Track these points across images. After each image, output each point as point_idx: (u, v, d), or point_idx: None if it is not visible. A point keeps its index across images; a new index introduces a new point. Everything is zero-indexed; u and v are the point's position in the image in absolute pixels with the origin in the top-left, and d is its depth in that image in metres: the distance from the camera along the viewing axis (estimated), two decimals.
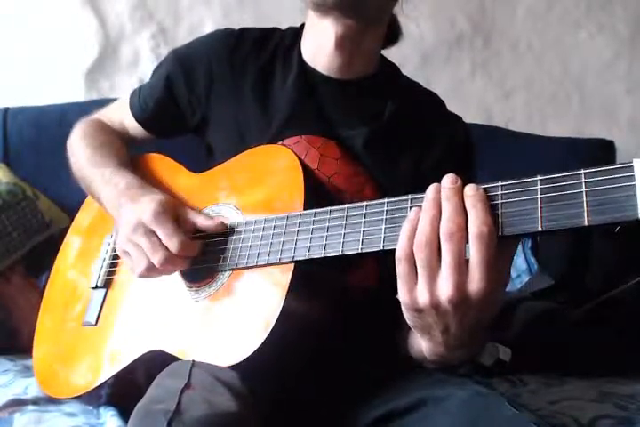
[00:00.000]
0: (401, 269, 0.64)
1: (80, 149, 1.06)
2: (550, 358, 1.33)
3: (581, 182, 0.57)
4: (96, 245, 1.05)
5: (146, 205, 0.86)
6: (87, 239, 1.09)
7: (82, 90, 1.95)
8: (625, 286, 1.37)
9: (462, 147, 1.02)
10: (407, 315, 0.67)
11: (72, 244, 1.12)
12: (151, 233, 0.84)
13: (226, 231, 0.86)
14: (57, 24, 1.92)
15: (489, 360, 0.77)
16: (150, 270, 0.85)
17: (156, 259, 0.83)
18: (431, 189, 0.65)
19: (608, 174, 0.55)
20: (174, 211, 0.87)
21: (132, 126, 1.11)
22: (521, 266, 1.80)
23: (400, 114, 0.97)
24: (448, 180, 0.64)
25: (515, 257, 1.80)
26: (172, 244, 0.82)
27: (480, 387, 0.80)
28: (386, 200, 0.70)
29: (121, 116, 1.12)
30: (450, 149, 0.99)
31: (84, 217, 1.15)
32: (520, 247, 1.82)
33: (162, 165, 1.07)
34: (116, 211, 0.92)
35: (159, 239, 0.83)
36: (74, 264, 1.09)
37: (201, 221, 0.87)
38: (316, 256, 0.74)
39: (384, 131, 0.96)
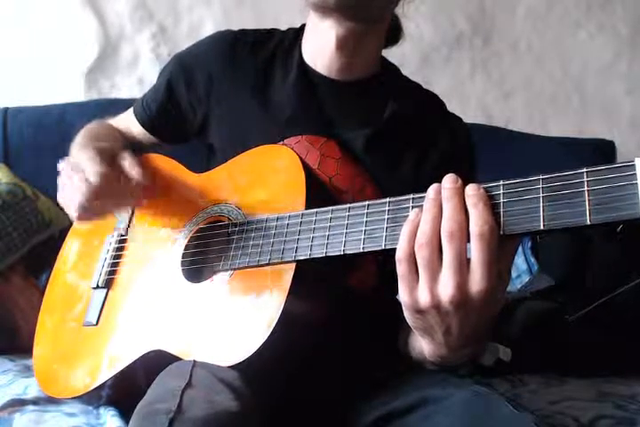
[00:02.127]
0: (401, 269, 0.64)
1: (76, 140, 1.06)
2: (550, 358, 1.33)
3: (583, 181, 0.57)
4: (97, 245, 1.05)
5: (85, 152, 0.88)
6: (88, 239, 1.09)
7: (82, 90, 1.95)
8: (625, 287, 1.37)
9: (463, 147, 1.02)
10: (408, 316, 0.67)
11: (73, 244, 1.12)
12: (79, 170, 0.85)
13: (227, 231, 0.86)
14: (57, 24, 1.92)
15: (489, 360, 0.76)
16: (82, 209, 0.85)
17: (80, 194, 0.84)
18: (432, 189, 0.65)
19: (610, 173, 0.55)
20: (110, 156, 0.88)
21: (138, 132, 1.11)
22: (521, 266, 1.80)
23: (400, 115, 0.97)
24: (448, 180, 0.64)
25: (515, 257, 1.81)
26: (91, 174, 0.83)
27: (480, 387, 0.80)
28: (387, 200, 0.70)
29: (127, 122, 1.13)
30: (450, 149, 0.99)
31: None
32: (520, 247, 1.82)
33: (163, 165, 1.07)
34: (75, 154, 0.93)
35: (84, 175, 0.84)
36: (75, 264, 1.09)
37: (127, 165, 0.88)
38: (317, 256, 0.74)
39: (384, 132, 0.96)
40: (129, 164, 0.88)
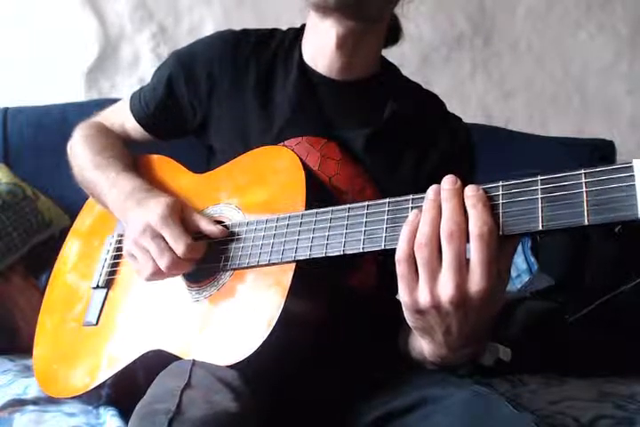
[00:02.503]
0: (401, 269, 0.64)
1: (82, 152, 1.06)
2: (550, 358, 1.33)
3: (582, 182, 0.57)
4: (97, 246, 1.05)
5: (153, 209, 0.86)
6: (88, 240, 1.10)
7: (82, 90, 1.95)
8: (625, 287, 1.37)
9: (463, 147, 1.02)
10: (408, 316, 0.67)
11: (73, 244, 1.12)
12: (158, 237, 0.84)
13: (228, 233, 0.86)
14: (57, 24, 1.92)
15: (489, 360, 0.77)
16: (157, 274, 0.85)
17: (163, 263, 0.83)
18: (431, 190, 0.65)
19: (608, 174, 0.56)
20: (180, 213, 0.87)
21: (133, 128, 1.11)
22: (521, 266, 1.80)
23: (400, 115, 0.97)
24: (447, 181, 0.64)
25: (515, 257, 1.81)
26: (179, 247, 0.82)
27: (480, 387, 0.80)
28: (387, 200, 0.70)
29: (122, 118, 1.12)
30: (450, 149, 0.99)
31: (85, 218, 1.15)
32: (520, 247, 1.82)
33: (163, 165, 1.07)
34: (123, 214, 0.92)
35: (166, 243, 0.83)
36: (75, 265, 1.09)
37: (206, 226, 0.87)
38: (317, 256, 0.74)
39: (384, 132, 0.96)
40: (218, 234, 0.86)
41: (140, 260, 0.85)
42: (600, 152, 2.11)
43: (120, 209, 0.93)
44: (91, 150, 1.05)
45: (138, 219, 0.86)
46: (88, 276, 1.03)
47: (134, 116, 1.10)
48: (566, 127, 2.33)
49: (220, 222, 0.89)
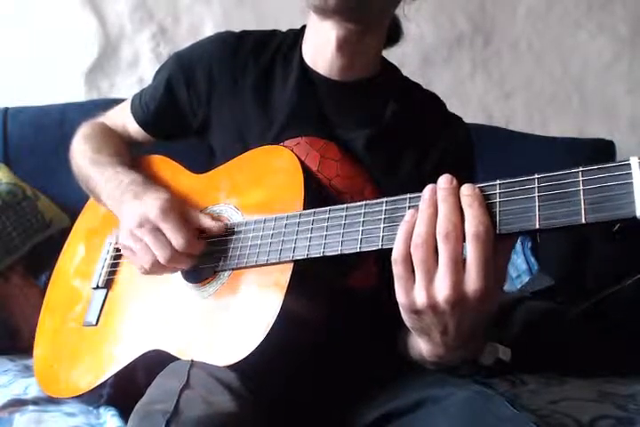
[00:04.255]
0: (397, 270, 0.64)
1: (82, 151, 1.06)
2: (550, 358, 1.33)
3: (578, 180, 0.57)
4: (98, 246, 1.05)
5: (152, 202, 0.86)
6: (89, 240, 1.10)
7: (82, 90, 1.95)
8: (624, 283, 1.37)
9: (462, 147, 1.01)
10: (405, 316, 0.67)
11: (73, 245, 1.12)
12: (157, 230, 0.84)
13: (226, 232, 0.87)
14: (57, 24, 1.92)
15: (489, 360, 0.76)
16: (155, 267, 0.85)
17: (162, 256, 0.83)
18: (427, 189, 0.65)
19: (605, 172, 0.55)
20: (180, 209, 0.87)
21: (134, 129, 1.11)
22: (521, 266, 1.80)
23: (400, 115, 0.97)
24: (443, 180, 0.64)
25: (515, 257, 1.82)
26: (178, 241, 0.83)
27: (480, 387, 0.80)
28: (384, 200, 0.70)
29: (123, 119, 1.13)
30: (450, 149, 0.99)
31: (85, 219, 1.15)
32: (520, 247, 1.82)
33: (163, 166, 1.07)
34: (119, 207, 0.92)
35: (165, 236, 0.83)
36: (75, 265, 1.09)
37: (205, 221, 0.87)
38: (315, 255, 0.74)
39: (384, 132, 0.96)
40: (217, 230, 0.86)
41: (138, 252, 0.85)
42: (600, 152, 2.11)
43: (116, 202, 0.93)
44: (90, 148, 1.05)
45: (134, 211, 0.86)
46: (88, 276, 1.03)
47: (135, 117, 1.10)
48: (566, 127, 2.33)
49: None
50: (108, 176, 0.97)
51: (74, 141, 1.11)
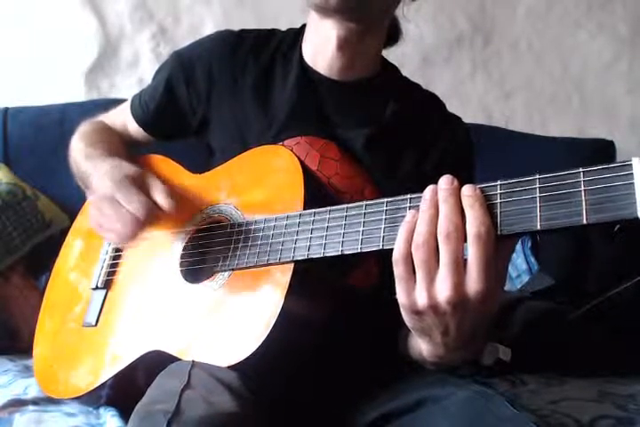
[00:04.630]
0: (398, 270, 0.64)
1: (78, 147, 1.07)
2: (550, 358, 1.33)
3: (580, 181, 0.57)
4: (97, 246, 1.05)
5: (107, 174, 0.88)
6: (88, 241, 1.09)
7: (82, 90, 1.95)
8: (624, 285, 1.37)
9: (462, 147, 1.02)
10: (406, 317, 0.67)
11: (73, 245, 1.12)
12: (114, 200, 0.85)
13: (226, 232, 0.87)
14: (57, 24, 1.92)
15: (489, 360, 0.76)
16: (124, 238, 0.85)
17: (122, 225, 0.83)
18: (428, 190, 0.65)
19: (607, 173, 0.55)
20: (136, 177, 0.88)
21: (134, 129, 1.11)
22: (521, 266, 1.80)
23: (400, 115, 0.97)
24: (444, 181, 0.64)
25: (515, 257, 1.82)
26: (133, 208, 0.83)
27: (480, 387, 0.80)
28: (385, 200, 0.70)
29: (123, 119, 1.13)
30: (450, 149, 0.99)
31: (85, 218, 1.15)
32: (520, 247, 1.82)
33: (162, 165, 1.07)
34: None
35: (122, 205, 0.84)
36: (74, 265, 1.09)
37: (156, 192, 0.87)
38: (315, 256, 0.74)
39: (384, 132, 0.96)
40: (163, 195, 0.86)
41: (105, 226, 0.86)
42: (600, 152, 2.11)
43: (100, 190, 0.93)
44: (85, 144, 1.05)
45: (98, 187, 0.88)
46: (88, 276, 1.03)
47: (135, 117, 1.10)
48: (566, 127, 2.33)
49: (219, 222, 0.89)
50: (97, 167, 0.97)
51: (72, 140, 1.11)
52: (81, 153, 1.05)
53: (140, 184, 0.87)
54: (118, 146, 1.08)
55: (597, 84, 2.40)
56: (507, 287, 1.67)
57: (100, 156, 1.00)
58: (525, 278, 1.74)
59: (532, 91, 2.35)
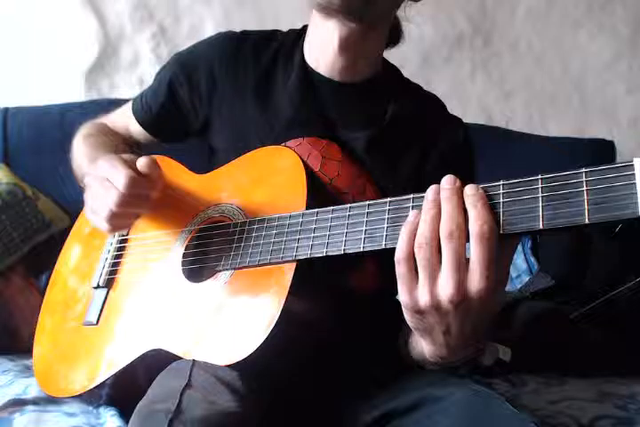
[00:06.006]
0: (401, 270, 0.64)
1: (80, 149, 1.07)
2: (550, 358, 1.33)
3: (582, 181, 0.57)
4: (98, 246, 1.05)
5: (100, 162, 0.86)
6: (89, 240, 1.09)
7: (82, 90, 1.95)
8: (624, 286, 1.38)
9: (462, 147, 1.02)
10: (408, 316, 0.67)
11: (74, 244, 1.12)
12: (103, 179, 0.84)
13: (228, 231, 0.87)
14: (57, 24, 1.92)
15: (489, 360, 0.77)
16: (111, 218, 0.84)
17: (110, 201, 0.82)
18: (431, 190, 0.65)
19: (608, 173, 0.56)
20: (130, 160, 0.87)
21: (136, 130, 1.11)
22: (521, 266, 1.80)
23: (401, 116, 0.98)
24: (447, 180, 0.64)
25: (515, 257, 1.81)
26: (118, 182, 0.81)
27: (480, 387, 0.80)
28: (388, 200, 0.70)
29: (125, 120, 1.13)
30: (450, 150, 0.99)
31: (85, 219, 1.15)
32: (520, 247, 1.82)
33: (164, 166, 1.06)
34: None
35: (111, 183, 0.83)
36: (75, 265, 1.09)
37: (139, 163, 0.85)
38: (317, 255, 0.74)
39: (385, 133, 0.96)
40: (149, 165, 0.86)
41: (95, 208, 0.86)
42: (600, 152, 2.12)
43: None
44: (87, 146, 1.05)
45: (93, 172, 0.87)
46: (88, 276, 1.03)
47: (137, 118, 1.10)
48: (566, 127, 2.33)
49: (221, 222, 0.89)
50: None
51: (74, 142, 1.11)
52: (83, 156, 1.04)
53: (130, 164, 0.86)
54: (120, 148, 1.08)
55: (597, 84, 2.40)
56: (507, 287, 1.67)
57: (100, 152, 1.00)
58: (525, 278, 1.74)
59: (532, 91, 2.36)
